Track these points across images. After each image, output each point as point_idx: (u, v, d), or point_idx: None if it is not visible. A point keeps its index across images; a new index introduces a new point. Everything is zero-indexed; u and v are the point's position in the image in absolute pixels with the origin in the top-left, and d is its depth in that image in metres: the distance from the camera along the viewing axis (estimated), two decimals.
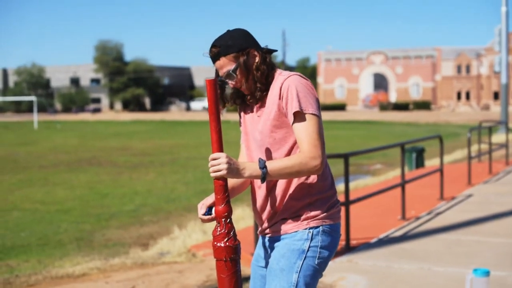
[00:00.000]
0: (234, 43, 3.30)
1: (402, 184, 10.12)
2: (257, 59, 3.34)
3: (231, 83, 3.36)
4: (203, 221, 3.34)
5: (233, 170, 3.11)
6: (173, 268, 8.05)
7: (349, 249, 8.15)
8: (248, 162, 3.21)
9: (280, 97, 3.28)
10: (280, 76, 3.35)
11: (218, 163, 3.11)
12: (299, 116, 3.23)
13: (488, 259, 7.49)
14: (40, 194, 16.09)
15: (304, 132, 3.22)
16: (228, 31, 3.37)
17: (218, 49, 3.31)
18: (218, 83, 3.26)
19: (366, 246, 8.33)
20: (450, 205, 11.20)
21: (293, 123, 3.25)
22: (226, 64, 3.31)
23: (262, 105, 3.38)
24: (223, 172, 3.09)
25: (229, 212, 3.14)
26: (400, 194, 10.37)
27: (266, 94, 3.36)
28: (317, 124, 3.24)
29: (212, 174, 3.13)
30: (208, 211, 3.34)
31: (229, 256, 3.12)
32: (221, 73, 3.35)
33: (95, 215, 13.06)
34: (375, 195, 9.95)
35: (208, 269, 7.78)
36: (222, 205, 3.13)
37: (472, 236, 8.73)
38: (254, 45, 3.35)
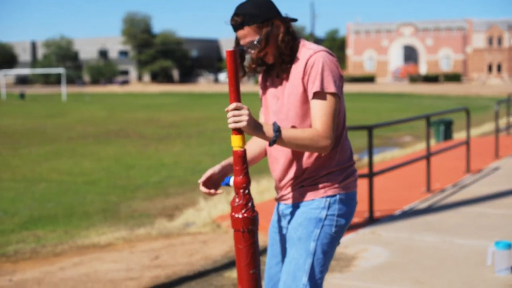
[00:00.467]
0: (259, 13, 3.25)
1: (427, 157, 10.06)
2: (281, 30, 3.29)
3: (253, 52, 3.31)
4: (208, 194, 3.37)
5: (253, 123, 3.04)
6: (197, 238, 8.11)
7: (373, 220, 8.14)
8: (264, 123, 3.18)
9: (304, 73, 3.26)
10: (304, 48, 3.32)
11: (240, 114, 3.01)
12: (319, 94, 3.22)
13: (511, 233, 7.44)
14: (67, 165, 16.25)
15: (321, 110, 3.21)
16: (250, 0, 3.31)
17: (242, 18, 3.24)
18: (238, 53, 3.22)
19: (390, 218, 8.32)
20: (476, 178, 11.12)
21: (312, 98, 3.24)
22: (250, 34, 3.26)
23: (286, 76, 3.35)
24: (244, 123, 3.00)
25: (248, 183, 3.12)
26: (425, 166, 10.31)
27: (290, 66, 3.33)
28: (335, 104, 3.23)
29: (232, 125, 3.02)
30: (227, 180, 3.35)
31: (246, 227, 3.11)
32: (243, 42, 3.30)
33: (121, 187, 13.17)
34: (399, 167, 9.90)
35: (231, 239, 7.82)
36: (241, 176, 3.10)
37: (497, 209, 8.67)
38: (277, 15, 3.30)
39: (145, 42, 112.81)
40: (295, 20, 3.37)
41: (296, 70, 3.30)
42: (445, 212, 8.55)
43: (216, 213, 9.41)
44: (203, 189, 3.38)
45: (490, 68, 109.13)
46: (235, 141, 3.08)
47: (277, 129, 3.10)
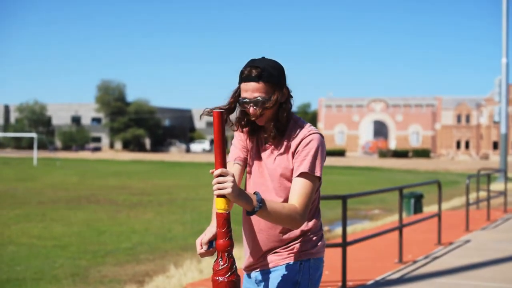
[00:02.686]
0: (277, 74, 3.28)
1: (400, 228, 10.12)
2: (286, 98, 3.36)
3: (252, 109, 3.31)
4: (203, 255, 3.31)
5: (237, 191, 3.01)
6: None
7: None
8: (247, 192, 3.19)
9: (296, 149, 3.33)
10: (297, 124, 3.40)
11: (225, 180, 2.99)
12: (306, 174, 3.29)
13: None
14: (37, 229, 16.05)
15: (303, 190, 3.27)
16: (267, 59, 3.32)
17: (260, 72, 3.25)
18: (225, 115, 3.26)
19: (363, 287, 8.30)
20: (447, 250, 11.18)
21: (297, 176, 3.30)
22: (261, 90, 3.26)
23: (275, 147, 3.41)
24: (229, 190, 2.97)
25: (232, 246, 3.11)
26: (397, 238, 10.36)
27: (282, 138, 3.38)
28: (316, 186, 3.33)
29: (217, 192, 3.00)
30: (210, 245, 3.35)
31: None
32: (249, 95, 3.28)
33: (91, 252, 13.02)
34: (372, 238, 9.94)
35: None
36: (226, 239, 3.09)
37: (468, 280, 8.71)
38: (286, 84, 3.37)
39: (118, 109, 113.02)
40: (291, 95, 3.43)
41: (289, 145, 3.36)
42: (418, 283, 8.56)
43: (186, 281, 9.32)
44: (204, 251, 3.31)
45: (458, 145, 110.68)
46: (219, 204, 3.06)
47: (261, 201, 3.10)
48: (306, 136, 3.33)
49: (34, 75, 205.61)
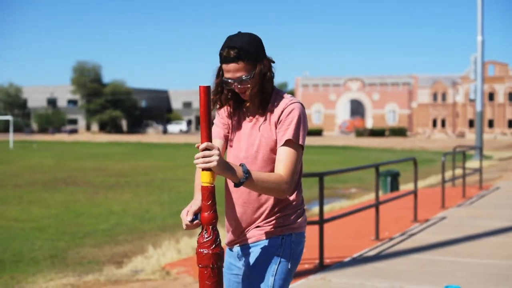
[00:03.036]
0: (254, 50, 3.31)
1: (376, 205, 10.22)
2: (268, 69, 3.38)
3: (238, 87, 3.35)
4: (188, 227, 3.31)
5: (222, 164, 3.05)
6: (147, 285, 8.04)
7: (323, 267, 8.20)
8: (232, 163, 3.21)
9: (278, 119, 3.36)
10: (279, 95, 3.43)
11: (211, 154, 3.02)
12: (289, 142, 3.34)
13: (460, 278, 7.58)
14: (15, 212, 15.99)
15: (288, 158, 3.32)
16: (243, 34, 3.35)
17: (238, 52, 3.27)
18: (213, 87, 3.31)
19: (340, 265, 8.39)
20: (423, 227, 11.31)
21: (281, 145, 3.34)
22: (242, 69, 3.29)
23: (258, 118, 3.44)
24: (214, 163, 3.00)
25: (216, 219, 3.14)
26: (374, 215, 10.46)
27: (265, 109, 3.41)
28: (300, 155, 3.38)
29: (201, 165, 3.03)
30: (194, 218, 3.37)
31: (216, 263, 3.12)
32: (232, 75, 3.32)
33: (70, 233, 13.01)
34: (349, 215, 10.03)
35: (181, 286, 7.79)
36: (209, 212, 3.12)
37: (445, 256, 8.83)
38: (265, 55, 3.40)
39: (95, 91, 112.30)
40: (273, 61, 3.45)
41: (272, 115, 3.40)
42: (395, 259, 8.67)
43: (165, 261, 9.36)
44: (188, 222, 3.29)
45: (434, 123, 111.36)
46: (205, 177, 3.09)
47: (247, 171, 3.15)
48: (288, 105, 3.36)
49: (8, 58, 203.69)
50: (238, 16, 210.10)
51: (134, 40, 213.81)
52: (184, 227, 3.34)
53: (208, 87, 3.06)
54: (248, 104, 3.43)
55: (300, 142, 3.35)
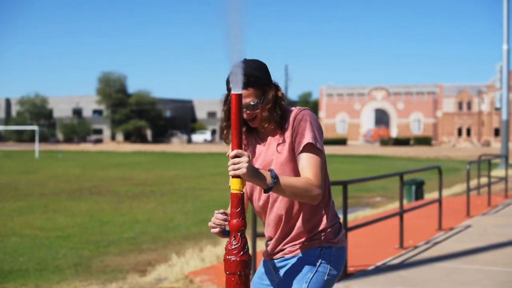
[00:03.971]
0: (263, 76, 3.35)
1: (401, 214, 10.15)
2: (279, 94, 3.42)
3: (246, 113, 3.37)
4: (215, 231, 3.35)
5: (251, 171, 3.06)
6: None
7: (346, 275, 8.16)
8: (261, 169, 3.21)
9: (292, 129, 3.38)
10: (289, 112, 3.45)
11: (240, 161, 3.03)
12: (309, 147, 3.34)
13: (486, 287, 7.50)
14: (40, 220, 16.11)
15: (312, 162, 3.32)
16: (249, 60, 3.36)
17: (248, 79, 3.29)
18: (222, 115, 3.36)
19: (363, 273, 8.35)
20: (448, 235, 11.22)
21: (301, 152, 3.35)
22: (250, 95, 3.32)
23: (274, 135, 3.45)
24: (243, 170, 3.01)
25: (245, 226, 3.13)
26: (398, 224, 10.39)
27: (277, 128, 3.43)
28: (322, 158, 3.38)
29: (232, 173, 3.04)
30: (226, 233, 3.36)
31: (243, 270, 3.10)
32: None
33: (94, 242, 13.07)
34: (373, 223, 9.97)
35: None
36: (238, 219, 3.11)
37: (470, 265, 8.74)
38: (271, 79, 3.43)
39: (120, 101, 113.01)
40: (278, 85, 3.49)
41: (286, 132, 3.40)
42: (419, 268, 8.60)
43: (188, 269, 9.38)
44: (216, 224, 3.35)
45: (460, 132, 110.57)
46: (234, 184, 3.08)
47: (275, 176, 3.15)
48: (297, 114, 3.39)
49: (34, 68, 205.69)
50: (262, 27, 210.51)
51: (159, 51, 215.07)
52: (212, 232, 3.37)
53: (239, 95, 3.02)
54: (261, 127, 3.44)
55: (319, 146, 3.35)
